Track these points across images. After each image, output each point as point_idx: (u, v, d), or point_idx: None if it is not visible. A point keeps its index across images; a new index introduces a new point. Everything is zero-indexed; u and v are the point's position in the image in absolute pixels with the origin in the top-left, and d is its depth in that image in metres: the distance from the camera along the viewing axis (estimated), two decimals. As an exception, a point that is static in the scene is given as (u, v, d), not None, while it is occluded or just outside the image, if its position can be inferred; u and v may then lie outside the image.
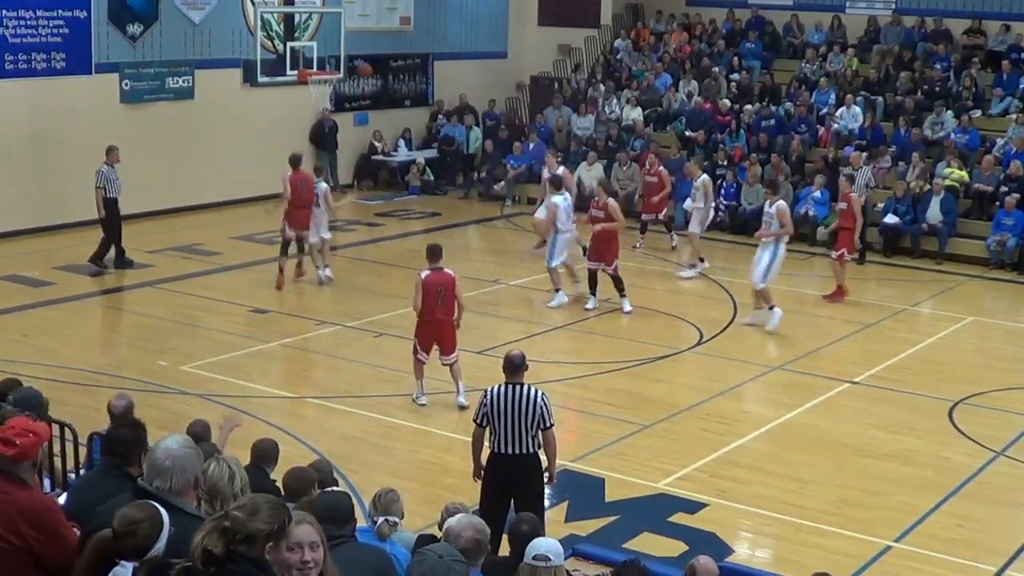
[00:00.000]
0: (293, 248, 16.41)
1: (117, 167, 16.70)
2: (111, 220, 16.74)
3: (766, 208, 15.20)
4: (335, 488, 6.91)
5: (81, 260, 17.02)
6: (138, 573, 4.01)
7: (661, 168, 19.38)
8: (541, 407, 8.06)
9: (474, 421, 8.32)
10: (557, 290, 15.66)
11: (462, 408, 11.69)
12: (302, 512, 4.20)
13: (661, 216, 19.32)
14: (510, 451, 8.09)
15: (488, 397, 8.16)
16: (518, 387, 8.14)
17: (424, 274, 11.60)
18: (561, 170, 17.34)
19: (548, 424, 8.10)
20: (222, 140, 21.02)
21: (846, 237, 16.18)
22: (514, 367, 8.26)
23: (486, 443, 8.29)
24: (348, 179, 23.80)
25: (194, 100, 20.71)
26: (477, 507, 8.50)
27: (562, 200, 15.69)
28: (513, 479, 8.15)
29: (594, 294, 15.42)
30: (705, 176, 18.55)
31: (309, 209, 16.09)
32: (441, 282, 11.57)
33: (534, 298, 16.26)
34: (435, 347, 11.85)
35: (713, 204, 18.48)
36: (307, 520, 3.99)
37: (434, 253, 11.72)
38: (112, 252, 16.87)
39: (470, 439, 8.44)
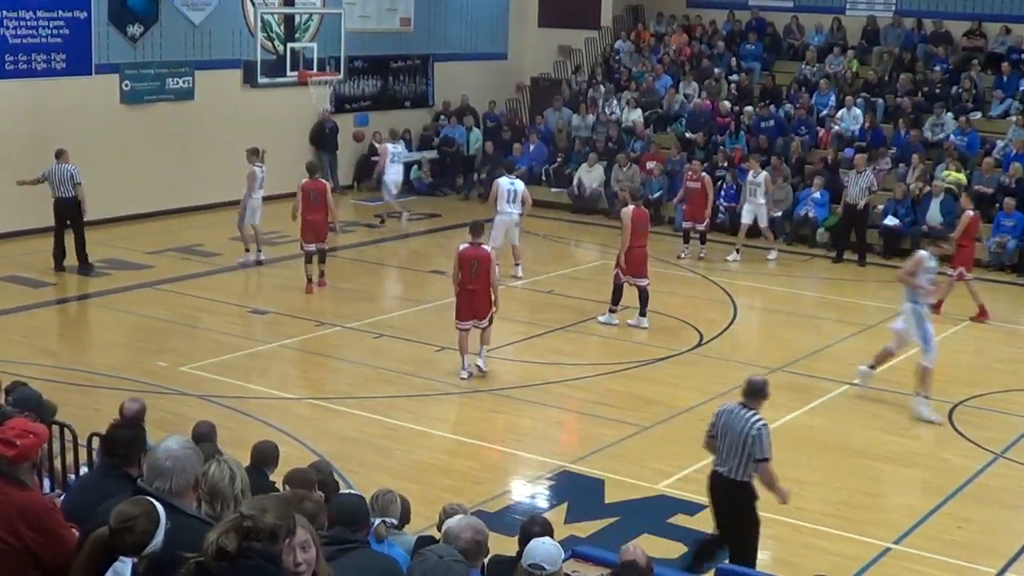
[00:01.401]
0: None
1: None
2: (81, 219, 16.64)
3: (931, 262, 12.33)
4: (353, 491, 6.86)
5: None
6: (138, 568, 4.03)
7: (704, 175, 18.83)
8: (754, 437, 7.91)
9: (707, 433, 8.31)
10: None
11: (481, 371, 12.62)
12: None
13: (702, 226, 18.62)
14: (721, 470, 8.11)
15: (719, 412, 8.21)
16: (745, 410, 8.08)
17: (462, 247, 12.47)
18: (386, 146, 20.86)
19: (761, 456, 7.94)
20: (222, 141, 20.98)
21: (966, 255, 15.81)
22: (750, 391, 8.19)
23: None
24: (348, 180, 23.77)
25: (194, 101, 20.70)
26: (476, 508, 8.54)
27: (506, 183, 16.72)
28: (721, 500, 8.18)
29: (613, 309, 14.79)
30: (765, 173, 19.02)
31: (320, 218, 16.03)
32: (476, 256, 12.37)
33: (534, 299, 16.26)
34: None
35: (772, 200, 19.10)
36: (299, 522, 4.03)
37: (476, 229, 12.57)
38: (57, 252, 16.64)
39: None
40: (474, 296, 12.44)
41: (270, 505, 3.79)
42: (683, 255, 18.68)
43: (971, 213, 16.04)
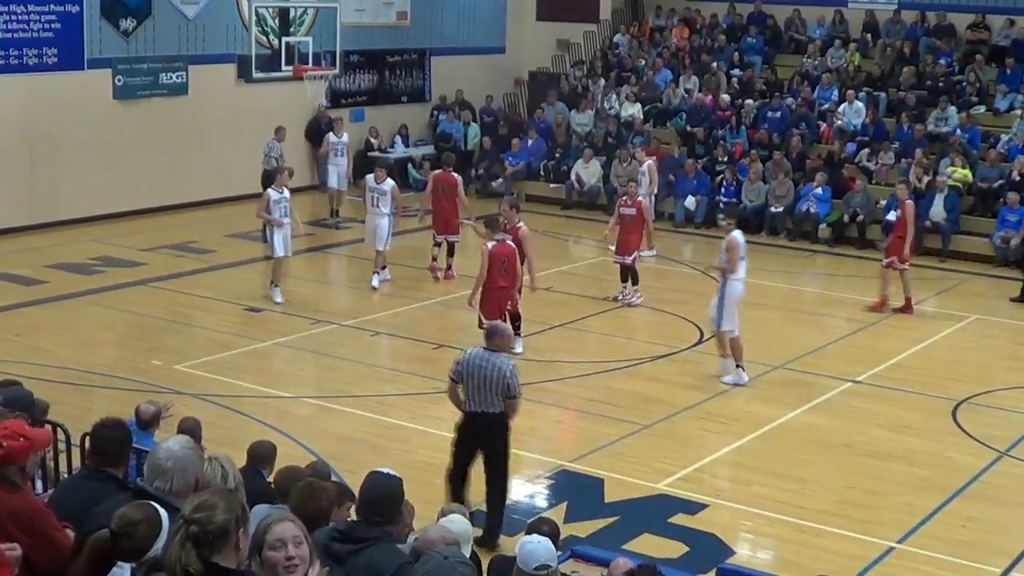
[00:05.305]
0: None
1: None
2: None
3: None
4: (390, 472, 6.54)
5: (74, 258, 16.91)
6: (137, 573, 4.02)
7: (641, 199, 16.07)
8: (507, 379, 8.46)
9: (450, 378, 8.74)
10: (384, 267, 16.24)
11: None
12: (284, 510, 4.30)
13: (630, 259, 15.39)
14: (477, 410, 8.56)
15: (463, 358, 8.61)
16: (490, 354, 8.54)
17: (490, 245, 12.43)
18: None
19: (513, 394, 8.54)
20: (216, 136, 20.85)
21: (899, 245, 15.31)
22: (488, 335, 8.78)
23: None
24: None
25: (188, 96, 20.53)
26: (476, 508, 8.42)
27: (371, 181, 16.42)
28: (479, 435, 8.67)
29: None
30: (650, 162, 18.77)
31: (450, 210, 16.18)
32: (504, 253, 12.43)
33: (533, 296, 16.08)
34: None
35: (655, 191, 18.81)
36: (289, 517, 4.05)
37: (492, 224, 12.61)
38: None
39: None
40: (506, 294, 12.55)
41: (215, 501, 3.75)
42: (620, 296, 15.60)
43: (909, 203, 15.55)
